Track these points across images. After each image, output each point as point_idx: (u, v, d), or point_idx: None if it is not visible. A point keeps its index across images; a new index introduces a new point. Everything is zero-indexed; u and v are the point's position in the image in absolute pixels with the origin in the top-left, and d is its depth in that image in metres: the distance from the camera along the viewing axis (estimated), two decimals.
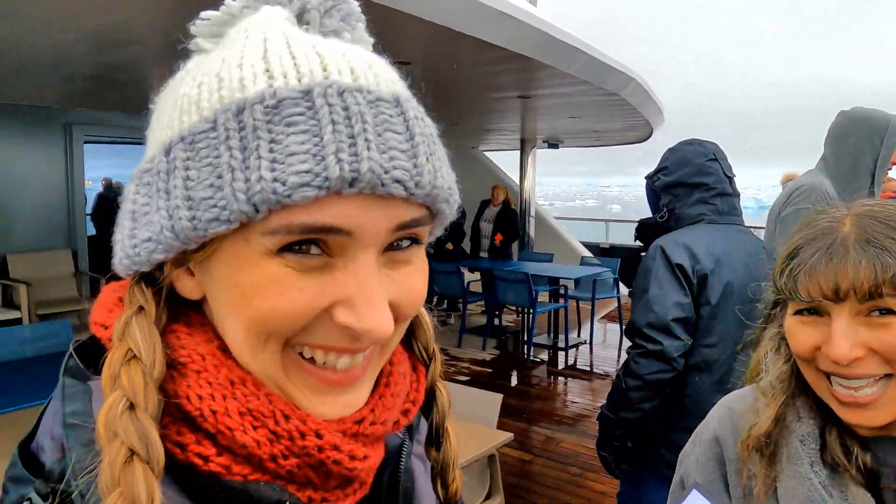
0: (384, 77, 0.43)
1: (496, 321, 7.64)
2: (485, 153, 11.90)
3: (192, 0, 0.68)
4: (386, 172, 0.39)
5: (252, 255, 0.40)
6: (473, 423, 2.67)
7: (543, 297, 6.99)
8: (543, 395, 5.57)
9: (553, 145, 10.59)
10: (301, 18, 0.45)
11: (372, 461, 0.46)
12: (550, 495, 3.73)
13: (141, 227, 0.43)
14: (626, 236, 11.51)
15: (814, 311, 0.81)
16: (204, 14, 0.46)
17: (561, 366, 6.46)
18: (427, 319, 0.57)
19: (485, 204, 8.31)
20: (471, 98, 6.22)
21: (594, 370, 6.34)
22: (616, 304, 7.60)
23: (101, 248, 8.03)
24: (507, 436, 2.64)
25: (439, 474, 0.57)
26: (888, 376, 0.77)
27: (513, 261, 8.17)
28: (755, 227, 6.16)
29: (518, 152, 9.94)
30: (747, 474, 0.88)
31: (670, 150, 2.07)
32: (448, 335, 7.06)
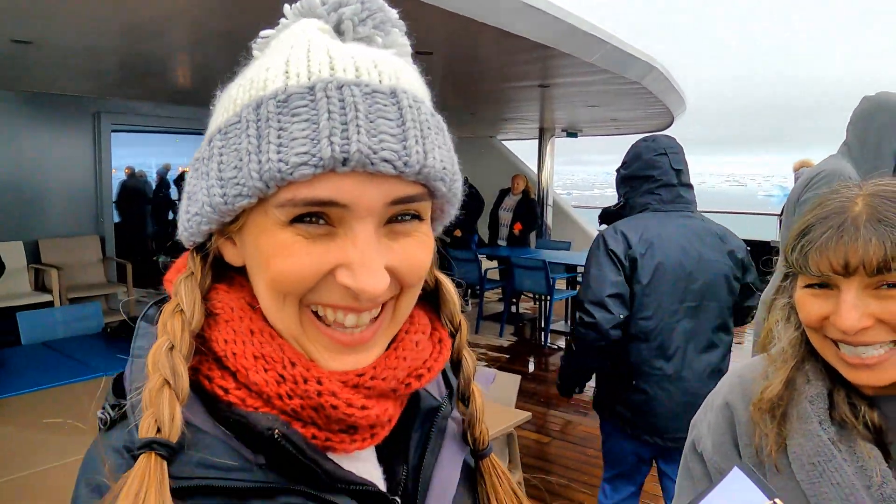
0: (387, 73, 0.49)
1: (513, 308, 7.68)
2: (503, 142, 11.89)
3: None
4: (375, 153, 0.45)
5: (270, 225, 0.48)
6: (493, 402, 2.75)
7: (561, 284, 7.04)
8: None
9: (572, 134, 10.52)
10: (338, 28, 0.52)
11: (373, 413, 0.51)
12: (568, 476, 3.82)
13: (192, 204, 0.52)
14: None
15: (824, 284, 0.83)
16: (262, 32, 0.55)
17: None
18: (454, 294, 0.64)
19: (503, 193, 8.31)
20: (490, 87, 6.22)
21: None
22: None
23: (125, 234, 8.17)
24: (526, 415, 2.72)
25: (469, 426, 0.65)
26: (895, 342, 0.80)
27: (530, 248, 8.19)
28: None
29: (536, 141, 9.94)
30: (759, 434, 0.91)
31: (632, 145, 2.38)
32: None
